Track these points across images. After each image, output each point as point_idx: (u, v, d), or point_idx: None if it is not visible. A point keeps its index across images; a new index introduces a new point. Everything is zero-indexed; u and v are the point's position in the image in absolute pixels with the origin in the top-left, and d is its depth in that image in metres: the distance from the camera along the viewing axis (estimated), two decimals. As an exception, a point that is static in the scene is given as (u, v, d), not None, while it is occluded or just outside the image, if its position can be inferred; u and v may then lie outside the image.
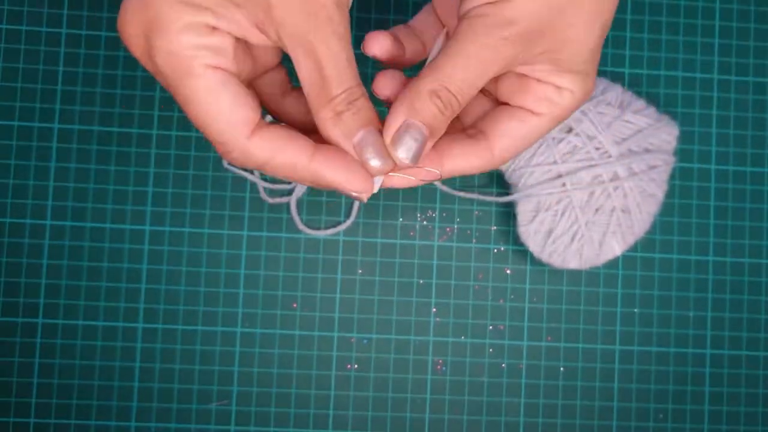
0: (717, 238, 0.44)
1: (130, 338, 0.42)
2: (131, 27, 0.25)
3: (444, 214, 0.43)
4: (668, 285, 0.44)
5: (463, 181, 0.43)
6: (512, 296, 0.43)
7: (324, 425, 0.42)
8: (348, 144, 0.26)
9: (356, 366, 0.42)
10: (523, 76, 0.28)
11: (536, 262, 0.43)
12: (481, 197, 0.41)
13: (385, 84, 0.29)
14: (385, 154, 0.26)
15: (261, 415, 0.42)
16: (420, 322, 0.43)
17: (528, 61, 0.27)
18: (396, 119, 0.26)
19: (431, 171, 0.28)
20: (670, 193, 0.43)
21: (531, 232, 0.41)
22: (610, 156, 0.39)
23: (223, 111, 0.25)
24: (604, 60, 0.44)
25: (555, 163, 0.39)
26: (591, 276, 0.44)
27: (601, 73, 0.44)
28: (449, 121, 0.27)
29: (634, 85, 0.44)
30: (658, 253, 0.44)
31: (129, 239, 0.42)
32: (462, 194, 0.42)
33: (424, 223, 0.43)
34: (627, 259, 0.44)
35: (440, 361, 0.43)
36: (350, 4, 0.26)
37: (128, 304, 0.42)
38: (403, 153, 0.26)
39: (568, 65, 0.27)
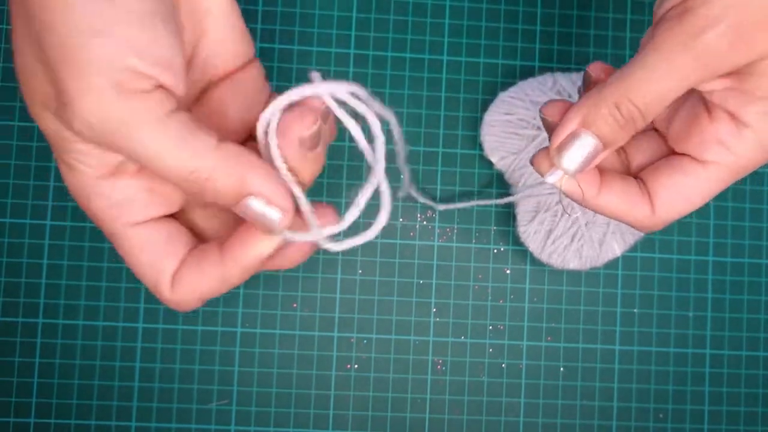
0: (717, 238, 0.44)
1: (131, 338, 0.42)
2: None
3: (444, 214, 0.43)
4: (668, 285, 0.44)
5: (463, 183, 0.43)
6: (512, 296, 0.43)
7: (324, 425, 0.42)
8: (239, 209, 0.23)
9: (356, 366, 0.42)
10: (697, 110, 0.24)
11: (536, 262, 0.43)
12: (480, 203, 0.41)
13: (554, 109, 0.26)
14: (274, 215, 0.23)
15: (261, 415, 0.42)
16: (420, 322, 0.43)
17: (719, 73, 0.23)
18: (566, 127, 0.24)
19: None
20: (670, 193, 0.43)
21: (531, 232, 0.41)
22: (610, 156, 0.39)
23: (145, 269, 0.24)
24: (603, 60, 0.44)
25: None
26: (591, 276, 0.44)
27: (601, 73, 0.44)
28: (630, 136, 0.24)
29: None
30: (658, 253, 0.44)
31: (129, 239, 0.42)
32: (461, 206, 0.42)
33: (424, 223, 0.43)
34: (627, 259, 0.44)
35: (440, 361, 0.43)
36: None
37: (128, 304, 0.42)
38: (567, 162, 0.24)
39: (765, 88, 0.23)
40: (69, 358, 0.41)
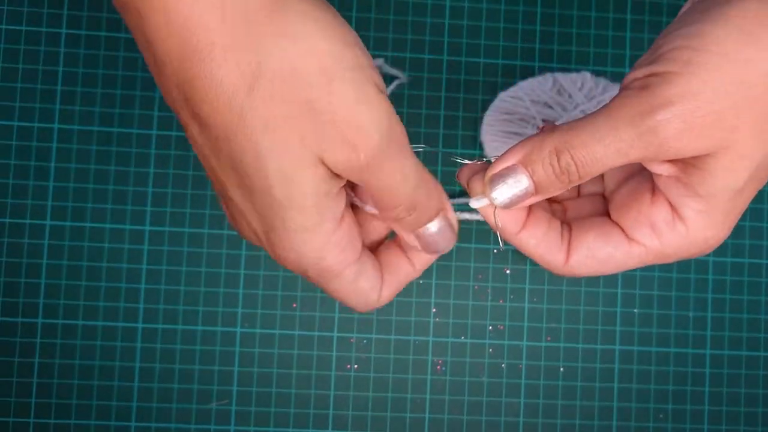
0: (717, 238, 0.44)
1: (130, 338, 0.42)
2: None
3: (444, 214, 0.43)
4: (668, 285, 0.44)
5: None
6: (512, 296, 0.43)
7: (324, 425, 0.42)
8: (408, 237, 0.26)
9: (356, 366, 0.42)
10: (643, 187, 0.24)
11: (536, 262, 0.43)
12: (474, 218, 0.41)
13: (466, 172, 0.27)
14: (449, 235, 0.26)
15: (261, 415, 0.42)
16: (420, 322, 0.43)
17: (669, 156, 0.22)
18: (507, 159, 0.24)
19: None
20: (670, 193, 0.43)
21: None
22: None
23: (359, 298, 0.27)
24: (604, 60, 0.44)
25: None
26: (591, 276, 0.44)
27: (600, 73, 0.44)
28: (563, 189, 0.24)
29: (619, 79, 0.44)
30: (658, 253, 0.44)
31: (129, 239, 0.42)
32: (466, 217, 0.41)
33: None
34: (627, 259, 0.44)
35: (440, 362, 0.43)
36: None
37: (128, 304, 0.42)
38: (497, 194, 0.24)
39: (707, 186, 0.22)
40: (68, 358, 0.41)
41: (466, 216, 0.40)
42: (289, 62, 0.20)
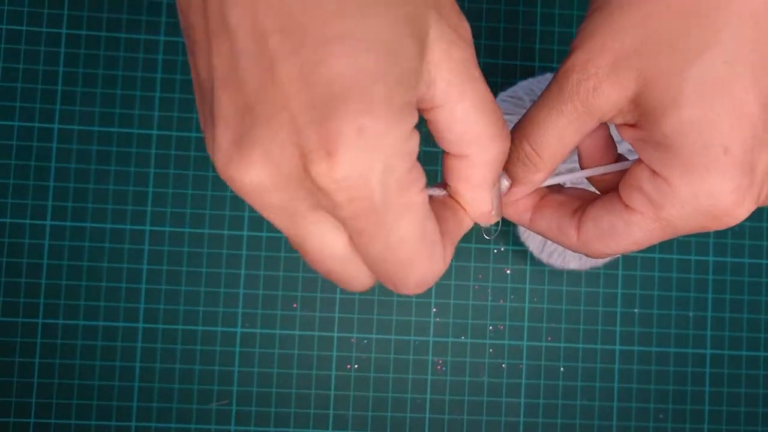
0: (717, 238, 0.44)
1: (131, 338, 0.42)
2: None
3: (444, 214, 0.43)
4: (668, 285, 0.44)
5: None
6: (512, 296, 0.43)
7: (324, 425, 0.42)
8: (483, 195, 0.22)
9: (356, 366, 0.42)
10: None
11: (536, 262, 0.43)
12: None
13: None
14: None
15: (261, 415, 0.42)
16: (420, 322, 0.43)
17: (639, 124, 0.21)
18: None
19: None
20: (670, 193, 0.43)
21: (531, 232, 0.41)
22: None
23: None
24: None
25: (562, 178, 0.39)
26: (591, 276, 0.44)
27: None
28: (534, 175, 0.24)
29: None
30: (658, 253, 0.44)
31: (129, 239, 0.42)
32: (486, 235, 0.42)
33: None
34: (627, 259, 0.44)
35: (440, 362, 0.43)
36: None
37: (128, 304, 0.42)
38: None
39: (656, 128, 0.20)
40: (69, 358, 0.41)
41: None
42: None
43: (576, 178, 0.29)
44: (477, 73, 0.19)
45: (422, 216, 0.19)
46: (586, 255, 0.25)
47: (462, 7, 0.44)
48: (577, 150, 0.25)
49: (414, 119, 0.19)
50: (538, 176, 0.24)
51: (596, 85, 0.21)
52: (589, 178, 0.26)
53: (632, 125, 0.22)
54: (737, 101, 0.19)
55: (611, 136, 0.25)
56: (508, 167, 0.24)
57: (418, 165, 0.20)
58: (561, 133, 0.22)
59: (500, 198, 0.24)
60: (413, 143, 0.19)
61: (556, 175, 0.26)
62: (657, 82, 0.20)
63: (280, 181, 0.17)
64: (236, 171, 0.17)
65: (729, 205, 0.20)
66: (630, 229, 0.22)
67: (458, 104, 0.20)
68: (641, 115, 0.21)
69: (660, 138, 0.20)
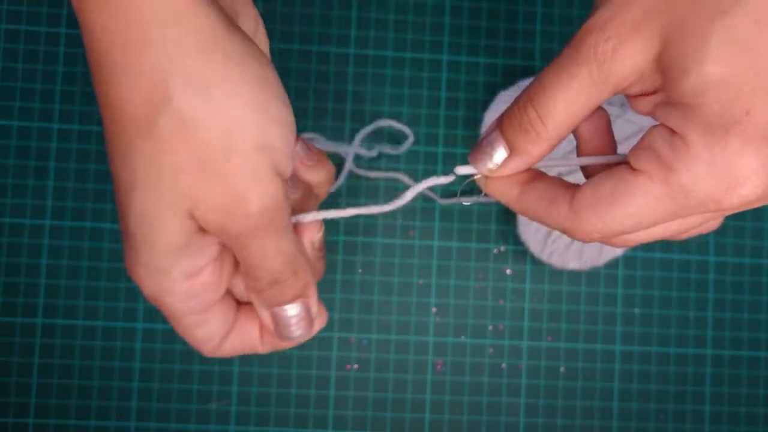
0: (717, 238, 0.44)
1: (130, 338, 0.41)
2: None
3: (444, 214, 0.43)
4: (669, 285, 0.44)
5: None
6: (512, 296, 0.43)
7: (324, 425, 0.42)
8: (263, 313, 0.26)
9: (356, 366, 0.42)
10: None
11: (536, 262, 0.43)
12: (482, 200, 0.41)
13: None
14: (304, 325, 0.26)
15: (261, 415, 0.42)
16: (420, 322, 0.43)
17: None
18: (491, 128, 0.24)
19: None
20: (670, 193, 0.43)
21: (531, 232, 0.41)
22: (610, 156, 0.39)
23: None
24: (604, 60, 0.44)
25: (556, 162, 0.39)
26: (591, 276, 0.43)
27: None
28: (536, 146, 0.22)
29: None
30: (658, 253, 0.44)
31: (128, 239, 0.42)
32: (463, 201, 0.42)
33: (424, 223, 0.43)
34: (627, 259, 0.44)
35: (440, 362, 0.43)
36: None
37: (128, 304, 0.42)
38: (481, 164, 0.24)
39: (673, 87, 0.19)
40: (68, 358, 0.41)
41: (475, 198, 0.40)
42: (200, 113, 0.20)
43: (570, 166, 0.28)
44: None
45: (182, 325, 0.25)
46: (572, 235, 0.23)
47: (462, 7, 0.44)
48: (575, 136, 0.24)
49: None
50: (538, 149, 0.23)
51: (616, 47, 0.20)
52: (583, 170, 0.25)
53: (651, 93, 0.21)
54: (763, 63, 0.18)
55: (611, 126, 0.24)
56: (508, 134, 0.23)
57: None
58: (570, 100, 0.21)
59: (503, 165, 0.23)
60: (187, 286, 0.24)
61: (550, 160, 0.25)
62: (682, 37, 0.19)
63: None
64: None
65: (744, 171, 0.19)
66: (632, 194, 0.20)
67: (241, 253, 0.24)
68: (663, 76, 0.20)
69: (681, 96, 0.19)
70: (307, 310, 0.26)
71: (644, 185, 0.20)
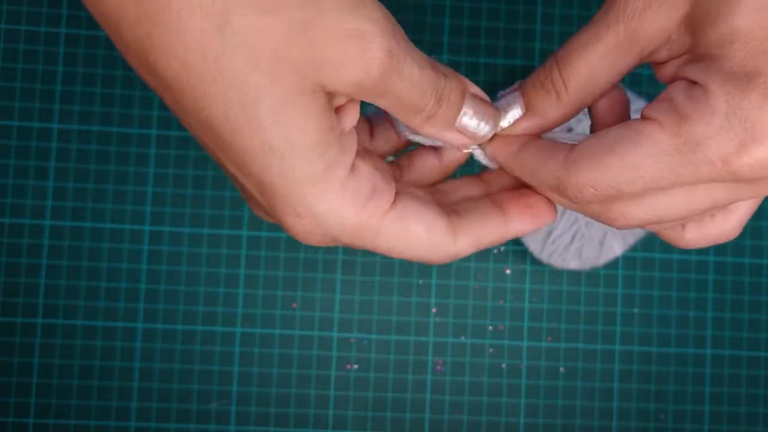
0: (717, 238, 0.44)
1: (130, 338, 0.42)
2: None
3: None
4: (668, 285, 0.44)
5: (463, 181, 0.43)
6: (512, 296, 0.43)
7: (324, 425, 0.42)
8: (451, 134, 0.23)
9: (356, 366, 0.42)
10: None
11: (536, 262, 0.43)
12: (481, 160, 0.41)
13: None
14: (489, 114, 0.23)
15: (261, 415, 0.42)
16: (420, 322, 0.43)
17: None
18: (510, 89, 0.23)
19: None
20: (670, 193, 0.43)
21: (530, 233, 0.41)
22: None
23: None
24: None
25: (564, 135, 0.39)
26: (591, 276, 0.43)
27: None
28: (552, 108, 0.22)
29: (635, 84, 0.44)
30: (658, 253, 0.44)
31: (128, 239, 0.42)
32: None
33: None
34: (627, 259, 0.44)
35: (440, 362, 0.43)
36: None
37: (128, 304, 0.42)
38: (495, 118, 0.23)
39: (699, 40, 0.19)
40: (68, 358, 0.41)
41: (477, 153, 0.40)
42: None
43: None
44: (375, 69, 0.19)
45: (394, 234, 0.22)
46: (565, 191, 0.22)
47: (462, 7, 0.44)
48: (591, 114, 0.24)
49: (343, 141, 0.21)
50: (554, 111, 0.22)
51: (646, 6, 0.20)
52: None
53: (676, 58, 0.21)
54: None
55: (628, 106, 0.23)
56: (527, 92, 0.23)
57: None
58: (595, 63, 0.21)
59: (516, 123, 0.23)
60: (358, 180, 0.21)
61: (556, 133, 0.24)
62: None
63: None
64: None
65: (762, 126, 0.18)
66: (637, 143, 0.19)
67: (381, 101, 0.20)
68: (690, 36, 0.20)
69: (707, 48, 0.19)
70: (479, 97, 0.23)
71: (652, 134, 0.19)
